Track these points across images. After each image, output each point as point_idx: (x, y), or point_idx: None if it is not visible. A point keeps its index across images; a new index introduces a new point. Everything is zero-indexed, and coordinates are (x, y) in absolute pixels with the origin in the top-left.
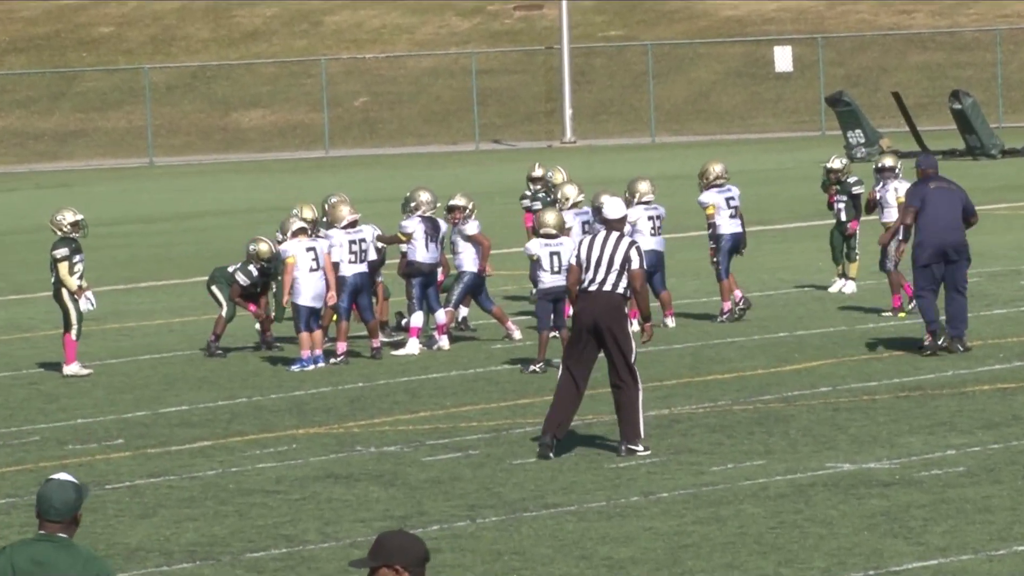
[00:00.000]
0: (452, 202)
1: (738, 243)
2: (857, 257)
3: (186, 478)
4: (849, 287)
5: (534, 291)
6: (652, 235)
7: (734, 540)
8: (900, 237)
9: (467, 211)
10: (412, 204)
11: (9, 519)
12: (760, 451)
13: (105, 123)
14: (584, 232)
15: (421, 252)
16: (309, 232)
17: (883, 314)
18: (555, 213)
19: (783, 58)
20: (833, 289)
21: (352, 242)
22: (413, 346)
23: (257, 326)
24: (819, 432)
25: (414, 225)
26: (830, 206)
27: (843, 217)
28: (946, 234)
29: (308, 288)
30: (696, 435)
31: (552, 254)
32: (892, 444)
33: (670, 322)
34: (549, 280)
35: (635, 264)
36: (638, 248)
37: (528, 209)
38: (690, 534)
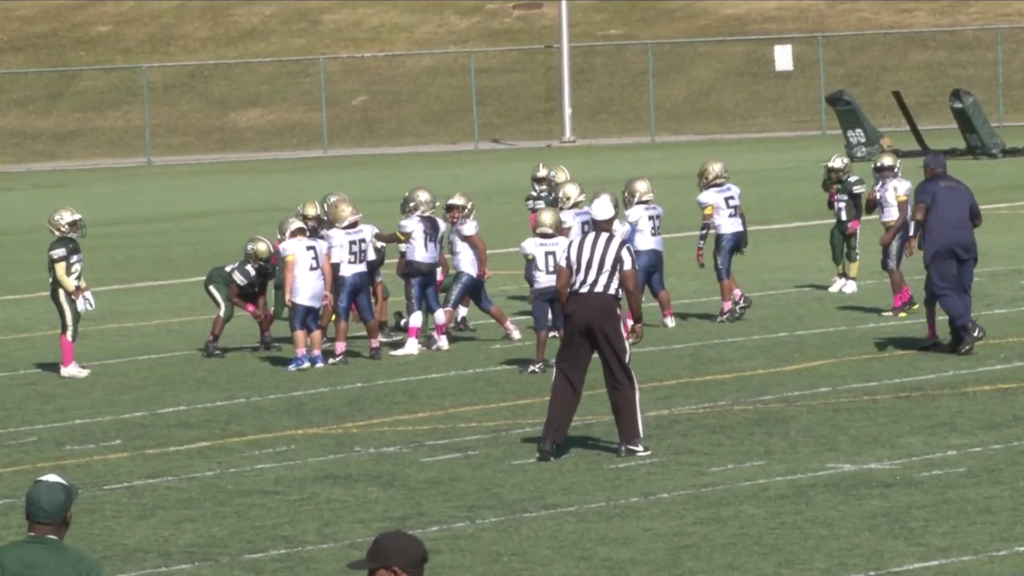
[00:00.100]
0: (451, 201)
1: (739, 242)
2: (857, 257)
3: (184, 479)
4: (849, 287)
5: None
6: (652, 235)
7: (734, 541)
8: (911, 233)
9: (466, 211)
10: (411, 204)
11: (7, 520)
12: (760, 452)
13: (103, 123)
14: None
15: (420, 252)
16: (308, 232)
17: (883, 314)
18: (552, 213)
19: (783, 57)
20: (833, 289)
21: (352, 242)
22: (412, 346)
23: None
24: (819, 433)
25: (413, 225)
26: (830, 205)
27: (843, 216)
28: (955, 233)
29: (306, 287)
30: (696, 436)
31: (548, 254)
32: (893, 445)
33: (669, 322)
34: (545, 280)
35: (627, 265)
36: (629, 248)
37: (533, 210)
38: (690, 535)
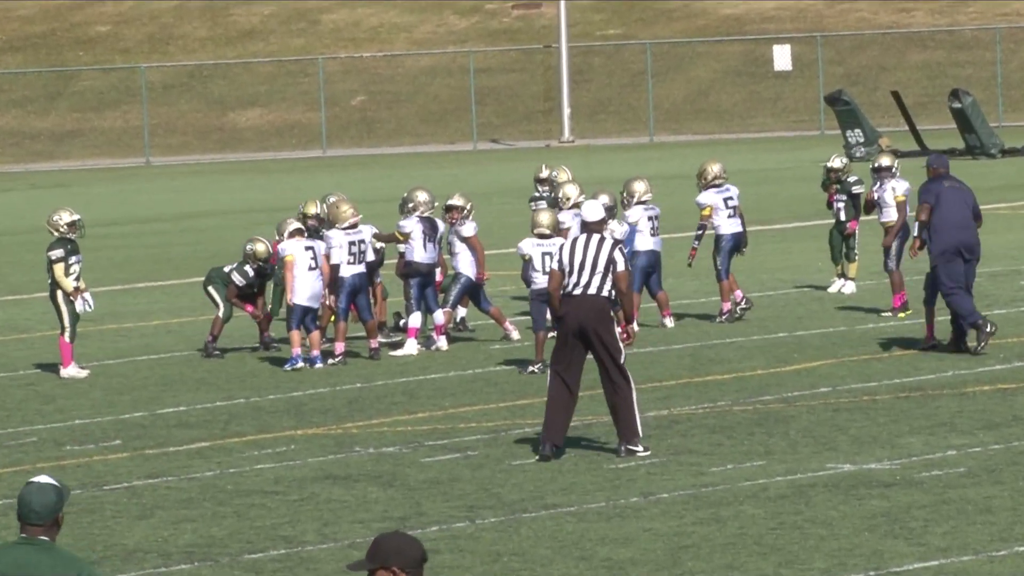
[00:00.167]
0: (450, 202)
1: (739, 243)
2: (856, 257)
3: (184, 479)
4: (849, 287)
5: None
6: (651, 235)
7: (734, 541)
8: (915, 234)
9: (465, 211)
10: (410, 204)
11: (7, 520)
12: (760, 452)
13: (102, 123)
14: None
15: (419, 252)
16: (307, 232)
17: (883, 314)
18: (549, 213)
19: (782, 57)
20: (832, 289)
21: (352, 243)
22: (411, 347)
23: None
24: (819, 433)
25: (412, 225)
26: (829, 205)
27: (842, 217)
28: (960, 233)
29: (305, 287)
30: (696, 436)
31: (544, 254)
32: (892, 445)
33: (668, 322)
34: (542, 280)
35: (620, 266)
36: (622, 249)
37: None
38: (690, 535)
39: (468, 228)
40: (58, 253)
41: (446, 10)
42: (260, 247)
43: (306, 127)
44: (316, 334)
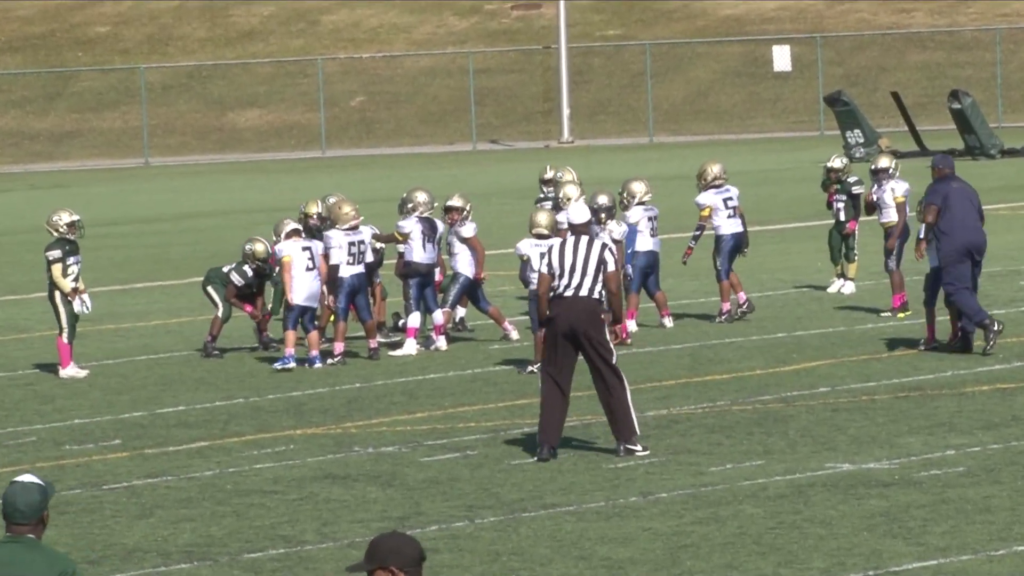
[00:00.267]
0: (449, 203)
1: (739, 243)
2: (856, 257)
3: (183, 479)
4: (848, 287)
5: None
6: (651, 236)
7: (733, 540)
8: (920, 235)
9: (464, 212)
10: (409, 204)
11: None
12: (759, 451)
13: (101, 123)
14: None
15: (418, 252)
16: (305, 232)
17: (882, 314)
18: (547, 213)
19: (782, 58)
20: (832, 289)
21: (351, 243)
22: (410, 347)
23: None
24: (818, 432)
25: (411, 225)
26: (829, 205)
27: (842, 217)
28: (971, 235)
29: (302, 288)
30: (695, 435)
31: (543, 255)
32: (891, 444)
33: (667, 322)
34: None
35: (611, 266)
36: (611, 250)
37: None
38: (689, 534)
39: (468, 229)
40: (55, 254)
41: (445, 11)
42: (259, 247)
43: (305, 128)
44: (314, 334)
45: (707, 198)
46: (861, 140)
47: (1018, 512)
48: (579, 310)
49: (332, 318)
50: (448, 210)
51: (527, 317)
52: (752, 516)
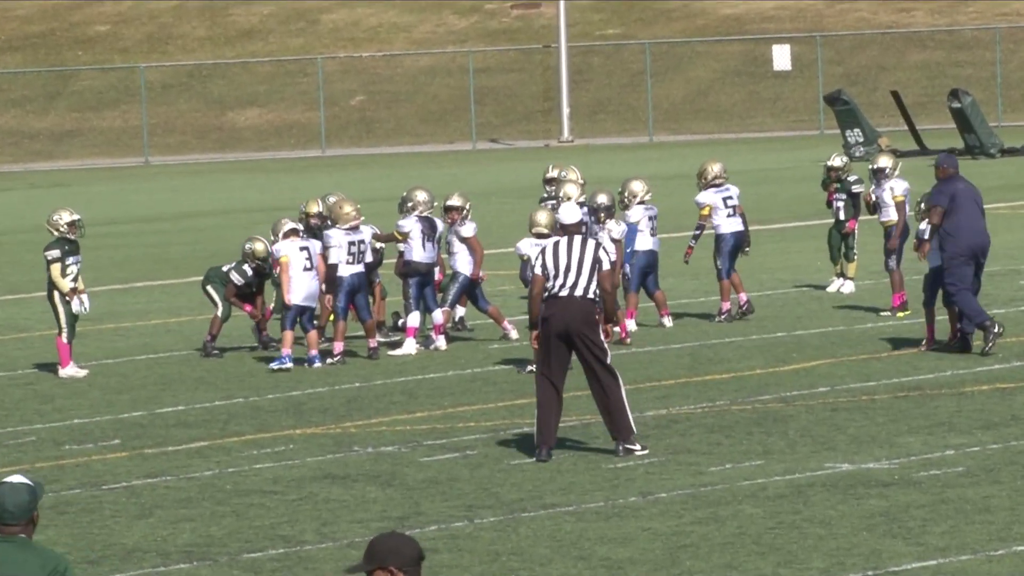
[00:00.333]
0: (449, 202)
1: (739, 242)
2: (855, 257)
3: (183, 478)
4: (847, 287)
5: None
6: (651, 235)
7: (733, 540)
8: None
9: (464, 212)
10: (409, 204)
11: None
12: (759, 451)
13: (101, 122)
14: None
15: (418, 252)
16: (303, 232)
17: (882, 314)
18: (547, 212)
19: (781, 57)
20: (831, 289)
21: (351, 243)
22: (410, 346)
23: (254, 325)
24: (818, 432)
25: (411, 224)
26: (829, 204)
27: (841, 216)
28: (977, 236)
29: (300, 288)
30: (694, 435)
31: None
32: (891, 444)
33: (667, 322)
34: None
35: (605, 265)
36: (605, 249)
37: None
38: (688, 534)
39: (468, 228)
40: (54, 253)
41: (445, 10)
42: (259, 246)
43: (305, 127)
44: (313, 334)
45: (706, 197)
46: (861, 139)
47: (1017, 512)
48: (573, 310)
49: (332, 317)
50: (448, 209)
51: (526, 316)
52: (751, 516)
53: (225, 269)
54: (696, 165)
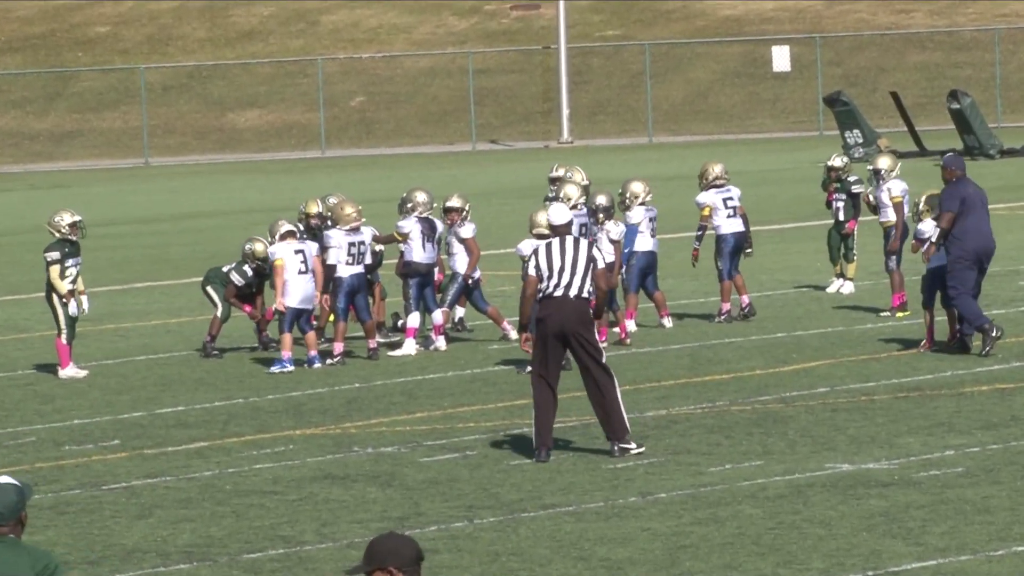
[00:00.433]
0: (449, 203)
1: (740, 243)
2: (855, 258)
3: (183, 479)
4: (847, 287)
5: None
6: (651, 236)
7: (732, 541)
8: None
9: (464, 213)
10: (408, 204)
11: None
12: (758, 452)
13: (101, 123)
14: (581, 234)
15: (418, 252)
16: (300, 234)
17: (881, 314)
18: (547, 213)
19: (781, 58)
20: (831, 289)
21: (351, 244)
22: (410, 347)
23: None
24: (817, 433)
25: (411, 225)
26: (828, 204)
27: (841, 216)
28: (984, 241)
29: (296, 290)
30: (694, 436)
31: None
32: (891, 445)
33: (667, 323)
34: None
35: (600, 263)
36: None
37: None
38: (688, 535)
39: (467, 229)
40: (54, 255)
41: (445, 11)
42: (259, 247)
43: (305, 128)
44: (312, 335)
45: (707, 197)
46: (860, 140)
47: (1017, 512)
48: (568, 310)
49: (332, 318)
50: (447, 211)
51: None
52: (751, 516)
53: (225, 270)
54: (696, 166)
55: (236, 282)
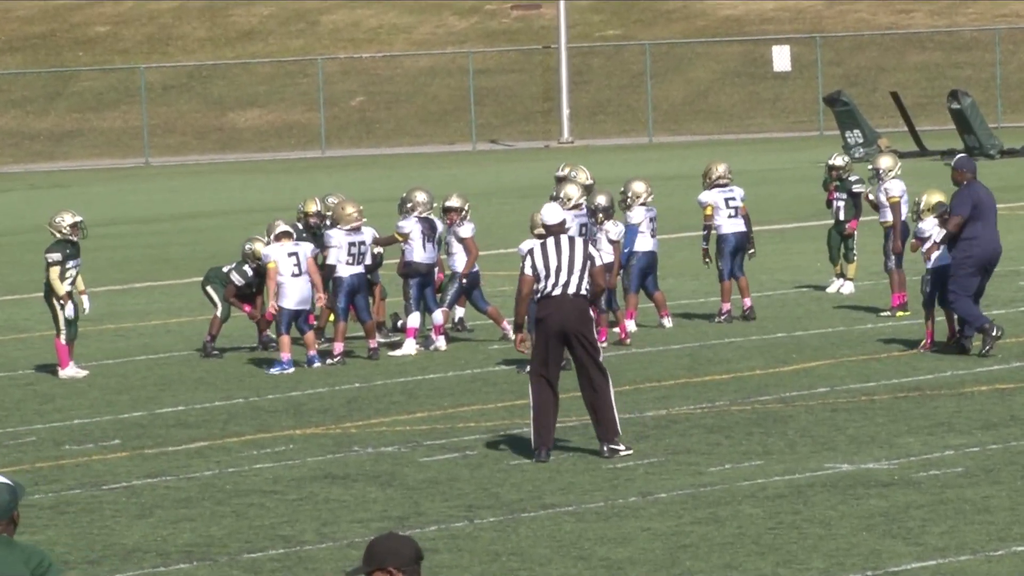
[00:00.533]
0: (448, 203)
1: (740, 243)
2: (855, 258)
3: (183, 479)
4: (847, 287)
5: None
6: (651, 236)
7: (732, 541)
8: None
9: (463, 212)
10: (408, 204)
11: None
12: (758, 452)
13: (101, 123)
14: (581, 234)
15: (418, 252)
16: (303, 231)
17: (881, 314)
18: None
19: (781, 58)
20: (831, 289)
21: (352, 244)
22: (410, 347)
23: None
24: (817, 433)
25: (411, 225)
26: (829, 204)
27: (841, 216)
28: (993, 247)
29: (292, 292)
30: (694, 436)
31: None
32: (890, 445)
33: (667, 323)
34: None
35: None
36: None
37: None
38: (688, 535)
39: (467, 229)
40: (56, 257)
41: (445, 11)
42: (259, 247)
43: (305, 127)
44: (311, 335)
45: (708, 196)
46: (860, 140)
47: (1017, 512)
48: (568, 309)
49: (332, 318)
50: (447, 210)
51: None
52: (751, 516)
53: (225, 270)
54: (696, 166)
55: (236, 282)
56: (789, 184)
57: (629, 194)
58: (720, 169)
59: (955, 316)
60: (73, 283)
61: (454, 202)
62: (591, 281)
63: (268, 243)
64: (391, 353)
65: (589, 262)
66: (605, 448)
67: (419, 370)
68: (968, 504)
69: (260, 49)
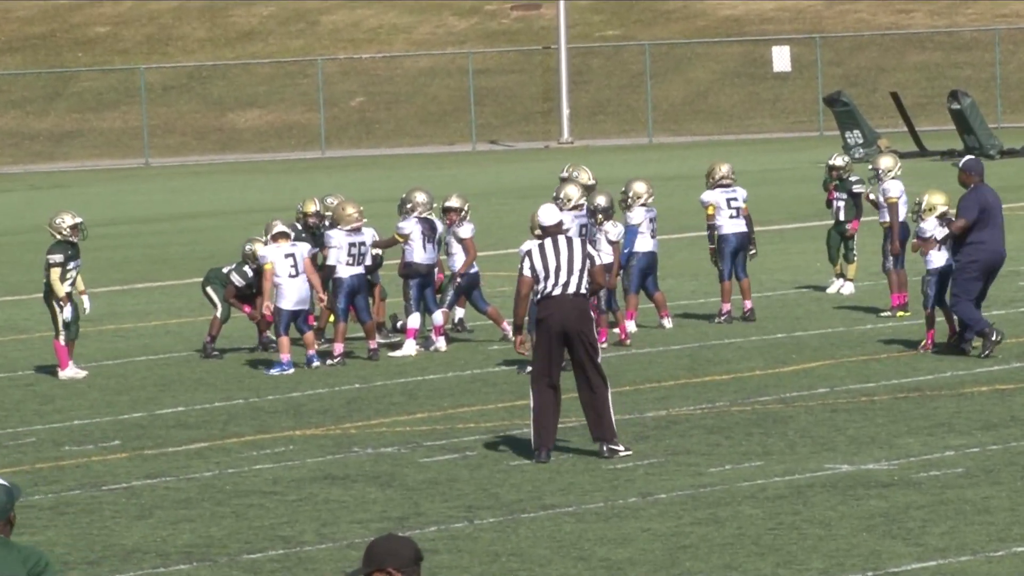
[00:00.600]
0: (448, 204)
1: (741, 244)
2: (855, 258)
3: (183, 479)
4: (847, 288)
5: None
6: (651, 237)
7: (732, 541)
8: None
9: (463, 213)
10: (408, 205)
11: None
12: (758, 452)
13: (101, 123)
14: (580, 235)
15: (418, 253)
16: (301, 232)
17: (881, 314)
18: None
19: (781, 58)
20: (831, 290)
21: (352, 244)
22: (410, 347)
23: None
24: (817, 433)
25: (411, 226)
26: (829, 204)
27: (841, 216)
28: (998, 251)
29: (290, 293)
30: (694, 436)
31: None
32: (890, 445)
33: (667, 323)
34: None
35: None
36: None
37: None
38: (688, 535)
39: (466, 230)
40: (57, 258)
41: (445, 11)
42: (259, 247)
43: (305, 128)
44: (310, 335)
45: (710, 196)
46: (860, 140)
47: (1017, 513)
48: (568, 308)
49: (332, 319)
50: (447, 211)
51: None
52: (751, 517)
53: (225, 270)
54: (696, 167)
55: (236, 283)
56: (789, 184)
57: (630, 194)
58: (723, 169)
59: (955, 316)
60: (73, 284)
61: (454, 202)
62: (591, 280)
63: (266, 243)
64: (391, 354)
65: (589, 261)
66: (604, 448)
67: (419, 371)
68: (968, 505)
69: (260, 49)
